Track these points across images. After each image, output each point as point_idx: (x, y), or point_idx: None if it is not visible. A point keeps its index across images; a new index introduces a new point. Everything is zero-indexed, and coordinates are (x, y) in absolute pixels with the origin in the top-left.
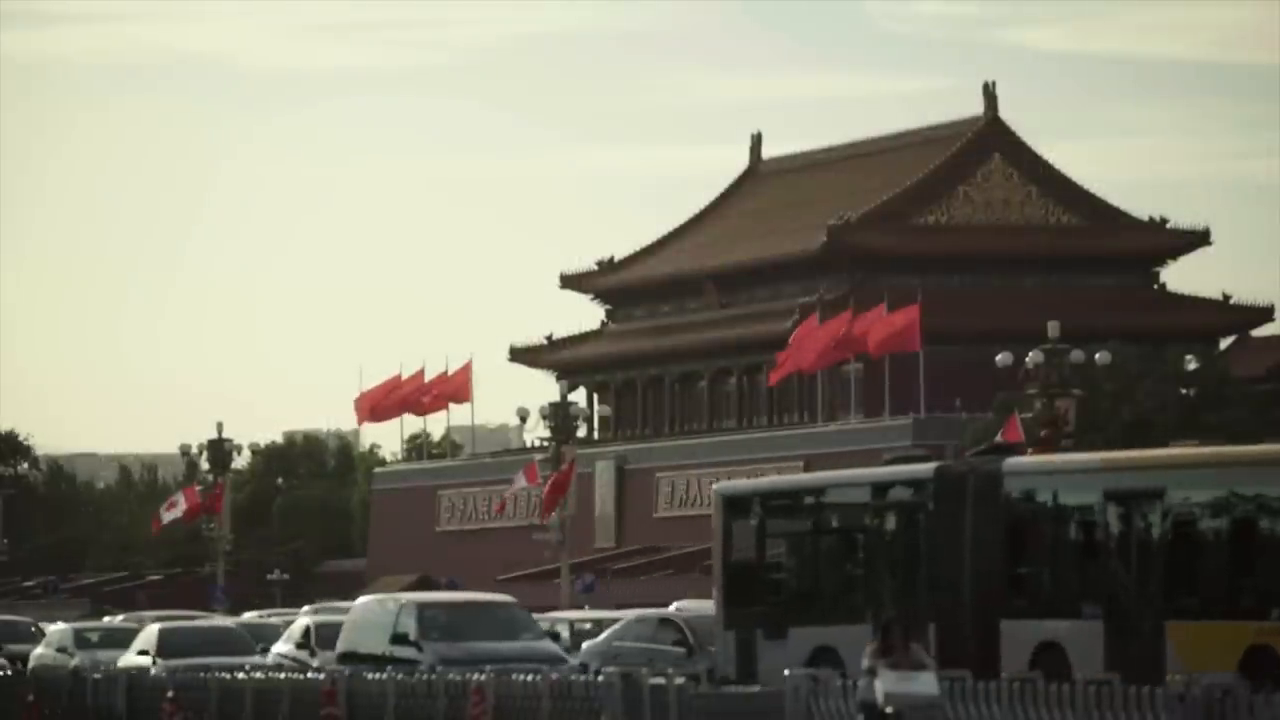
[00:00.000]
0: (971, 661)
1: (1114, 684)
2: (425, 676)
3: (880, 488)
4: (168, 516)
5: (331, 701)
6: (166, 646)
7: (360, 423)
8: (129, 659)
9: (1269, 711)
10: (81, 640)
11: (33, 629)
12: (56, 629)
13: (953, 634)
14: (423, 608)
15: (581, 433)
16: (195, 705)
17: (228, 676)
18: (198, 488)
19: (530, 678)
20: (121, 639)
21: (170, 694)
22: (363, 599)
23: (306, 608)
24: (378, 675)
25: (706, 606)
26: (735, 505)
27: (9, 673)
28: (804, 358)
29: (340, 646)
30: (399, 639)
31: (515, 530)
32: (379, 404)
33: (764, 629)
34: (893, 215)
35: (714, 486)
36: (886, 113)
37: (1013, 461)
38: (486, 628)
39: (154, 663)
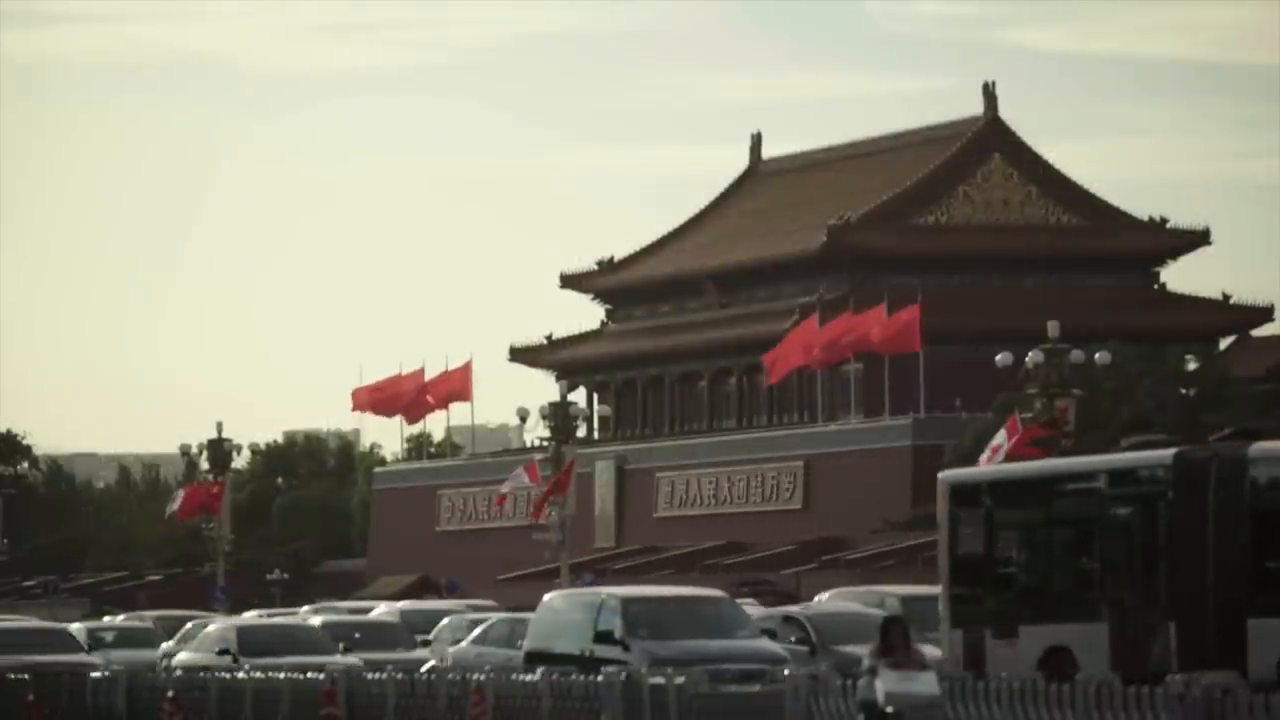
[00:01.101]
0: (1215, 663)
1: (1114, 683)
2: (426, 677)
3: (1116, 476)
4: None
5: (331, 701)
6: (248, 645)
7: (355, 409)
8: (197, 657)
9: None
10: (96, 640)
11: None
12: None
13: (1194, 633)
14: (628, 603)
15: (581, 433)
16: (195, 705)
17: (227, 676)
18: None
19: (530, 677)
20: (141, 638)
21: (170, 694)
22: (554, 594)
23: (306, 607)
24: (378, 675)
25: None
26: (961, 495)
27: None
28: (796, 357)
29: (528, 645)
30: (603, 637)
31: (515, 530)
32: (378, 400)
33: (993, 627)
34: (893, 215)
35: (940, 475)
36: (886, 113)
37: (1260, 447)
38: (697, 625)
39: (235, 660)
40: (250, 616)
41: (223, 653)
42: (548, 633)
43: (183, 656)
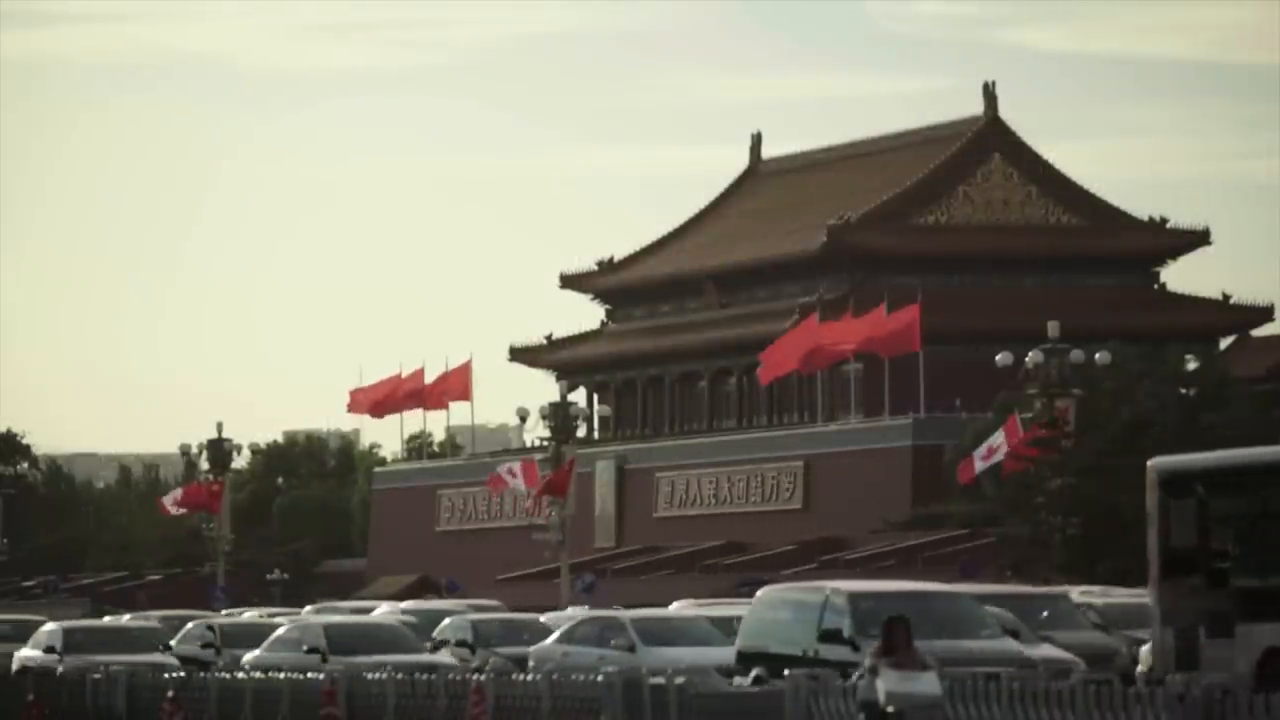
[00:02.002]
0: None
1: (1114, 684)
2: (427, 677)
3: None
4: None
5: (331, 701)
6: (336, 644)
7: (352, 411)
8: (278, 657)
9: (1269, 711)
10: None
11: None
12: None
13: None
14: (857, 599)
15: (581, 433)
16: (195, 705)
17: (228, 676)
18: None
19: (530, 677)
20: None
21: (170, 694)
22: (770, 589)
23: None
24: (378, 675)
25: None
26: (1173, 484)
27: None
28: (791, 362)
29: (741, 644)
30: (829, 636)
31: (515, 530)
32: (378, 400)
33: (1207, 625)
34: (893, 215)
35: (1150, 463)
36: (886, 113)
37: None
38: (934, 623)
39: (324, 659)
40: (308, 614)
41: (311, 651)
42: (763, 631)
43: (260, 656)
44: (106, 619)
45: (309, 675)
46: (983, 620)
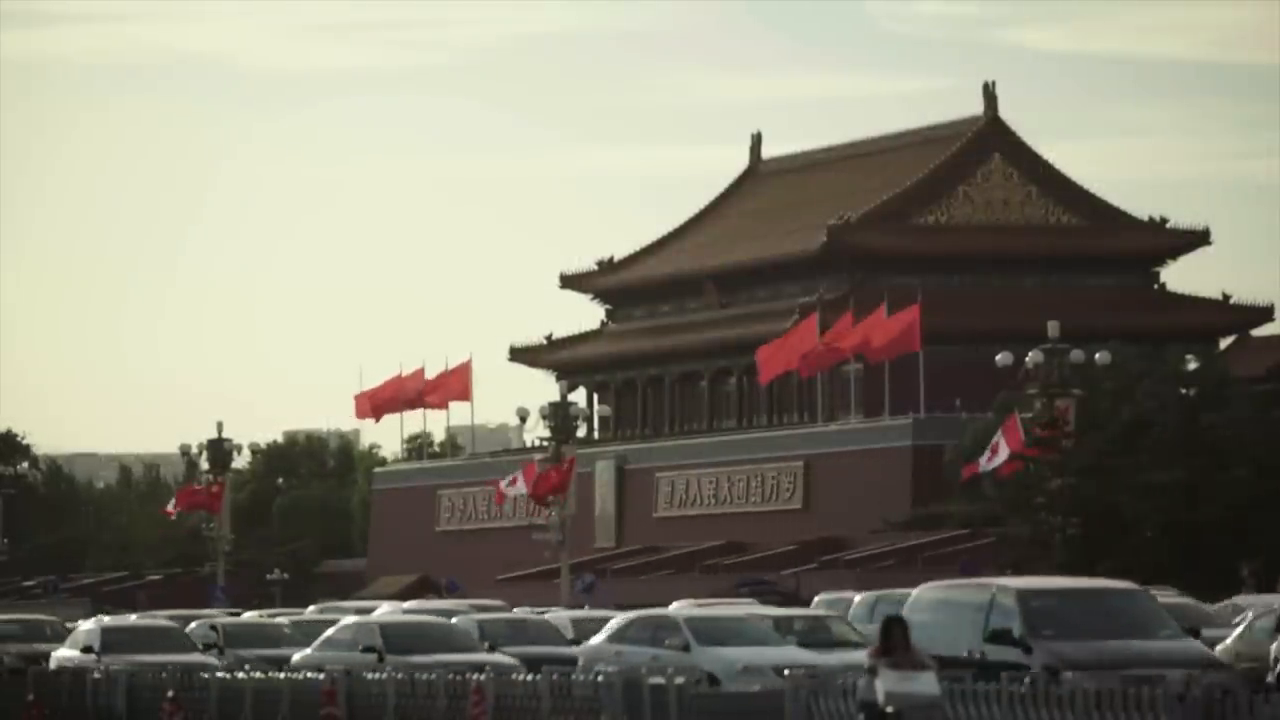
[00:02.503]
0: None
1: (1113, 683)
2: (426, 677)
3: None
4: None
5: (331, 701)
6: (394, 643)
7: (360, 417)
8: (333, 656)
9: (1269, 711)
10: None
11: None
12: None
13: None
14: (1026, 597)
15: (581, 433)
16: (195, 705)
17: (227, 676)
18: (196, 487)
19: (530, 677)
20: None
21: (170, 694)
22: (928, 586)
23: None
24: (377, 675)
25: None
26: None
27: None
28: (790, 362)
29: None
30: (998, 637)
31: (515, 530)
32: (379, 401)
33: None
34: (893, 215)
35: None
36: (886, 113)
37: None
38: (1111, 622)
39: (380, 659)
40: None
41: (368, 650)
42: (920, 633)
43: (311, 655)
44: (144, 617)
45: (308, 675)
46: (1162, 619)
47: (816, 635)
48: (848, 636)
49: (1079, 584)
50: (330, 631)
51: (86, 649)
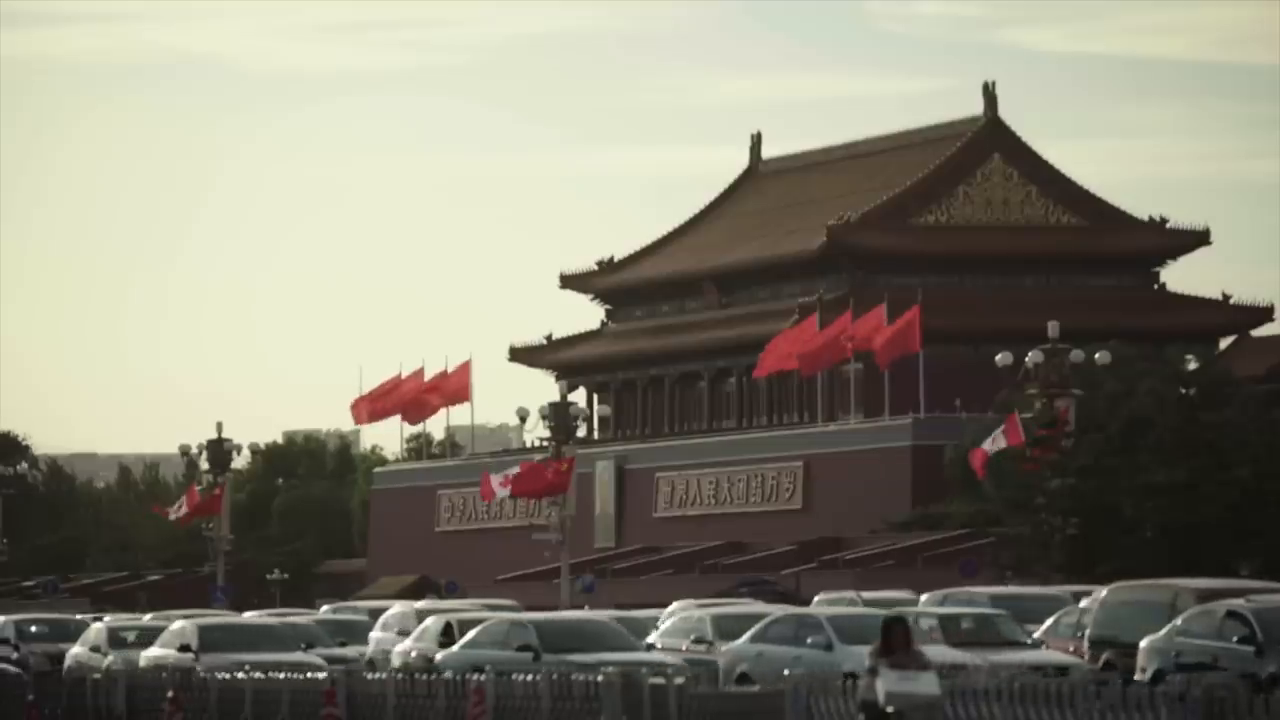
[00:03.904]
0: None
1: (1113, 683)
2: (426, 677)
3: None
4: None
5: (331, 701)
6: (550, 642)
7: (358, 423)
8: (481, 654)
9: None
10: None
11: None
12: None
13: None
14: (1205, 598)
15: (581, 433)
16: (195, 705)
17: (227, 676)
18: (198, 488)
19: (530, 677)
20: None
21: (170, 694)
22: (1118, 587)
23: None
24: (378, 675)
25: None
26: None
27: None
28: (787, 360)
29: (1092, 633)
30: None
31: (515, 530)
32: (377, 405)
33: None
34: (893, 215)
35: None
36: (886, 113)
37: None
38: None
39: (536, 657)
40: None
41: (523, 649)
42: (1111, 622)
43: (457, 654)
44: (248, 615)
45: (308, 675)
46: None
47: (983, 634)
48: (1015, 636)
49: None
50: (481, 627)
51: (183, 648)
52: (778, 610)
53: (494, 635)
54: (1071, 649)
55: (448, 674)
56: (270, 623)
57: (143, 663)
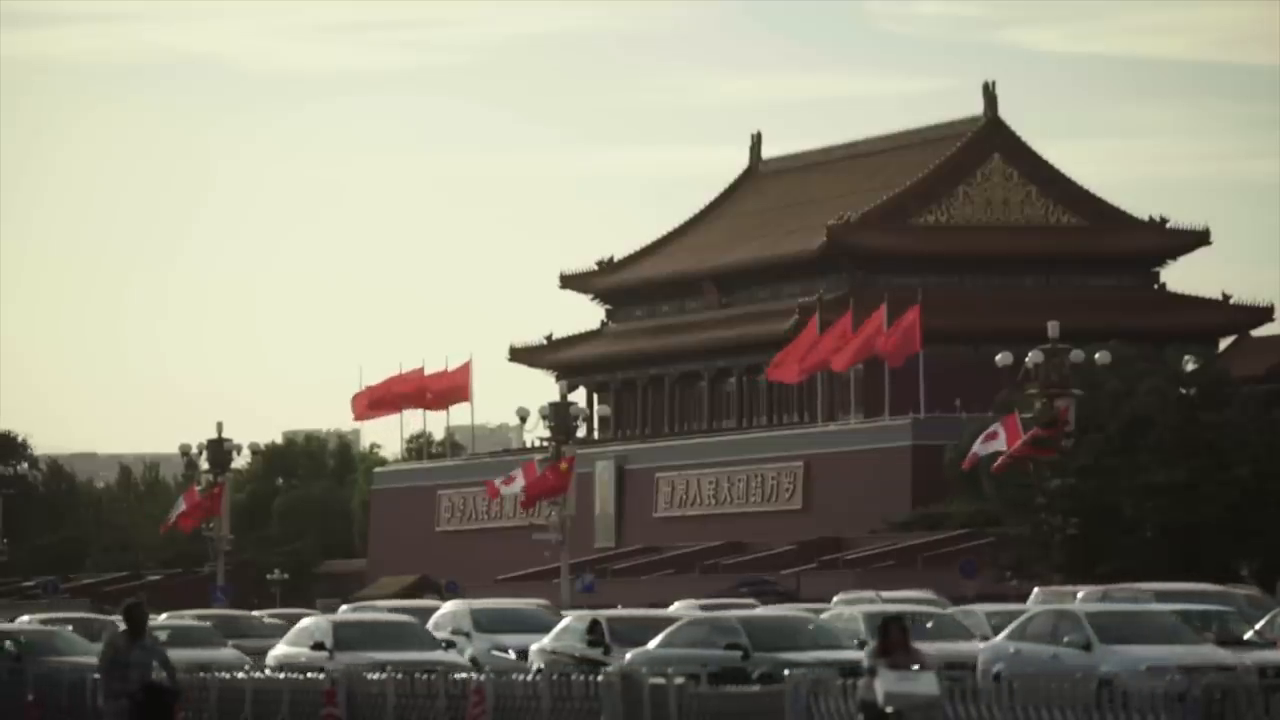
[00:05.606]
0: None
1: (1113, 683)
2: (426, 677)
3: None
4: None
5: (331, 701)
6: (619, 635)
7: (357, 418)
8: (561, 645)
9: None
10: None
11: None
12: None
13: None
14: None
15: (581, 433)
16: (195, 705)
17: (227, 676)
18: (197, 488)
19: (530, 677)
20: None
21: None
22: None
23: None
24: (378, 675)
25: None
26: None
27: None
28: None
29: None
30: None
31: (515, 530)
32: (377, 400)
33: None
34: (893, 215)
35: None
36: (886, 113)
37: None
38: None
39: (606, 652)
40: (345, 610)
41: (594, 644)
42: None
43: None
44: (382, 611)
45: (308, 675)
46: None
47: (1220, 633)
48: (1245, 634)
49: None
50: (672, 628)
51: (317, 645)
52: (1036, 607)
53: (692, 635)
54: None
55: (656, 678)
56: (404, 620)
57: (270, 662)
